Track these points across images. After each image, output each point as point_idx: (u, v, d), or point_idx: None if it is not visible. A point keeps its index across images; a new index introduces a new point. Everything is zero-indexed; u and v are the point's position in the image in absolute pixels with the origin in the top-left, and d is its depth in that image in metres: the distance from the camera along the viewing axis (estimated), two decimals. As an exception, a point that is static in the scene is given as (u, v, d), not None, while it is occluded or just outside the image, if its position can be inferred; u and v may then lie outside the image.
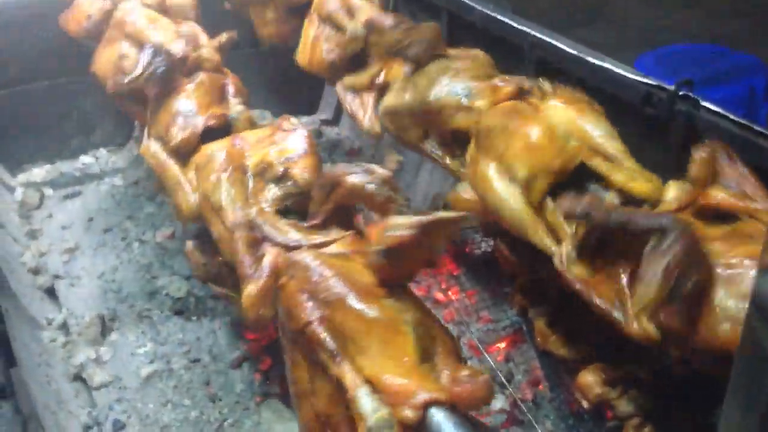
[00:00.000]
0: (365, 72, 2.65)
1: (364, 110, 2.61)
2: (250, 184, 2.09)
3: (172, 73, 2.60)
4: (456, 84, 2.27)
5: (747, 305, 0.91)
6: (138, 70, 2.61)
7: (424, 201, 3.27)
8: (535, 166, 1.87)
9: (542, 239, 1.83)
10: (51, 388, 2.47)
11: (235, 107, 2.52)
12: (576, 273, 1.71)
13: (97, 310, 2.83)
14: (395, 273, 1.63)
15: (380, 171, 1.82)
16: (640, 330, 1.53)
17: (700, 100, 2.07)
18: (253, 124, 2.48)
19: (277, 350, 1.88)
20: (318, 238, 1.86)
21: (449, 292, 2.75)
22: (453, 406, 1.39)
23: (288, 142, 2.17)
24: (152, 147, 2.49)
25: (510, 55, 2.60)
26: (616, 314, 1.59)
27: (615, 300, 1.61)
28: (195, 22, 2.93)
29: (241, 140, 2.23)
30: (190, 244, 2.38)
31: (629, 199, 1.80)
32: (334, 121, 4.13)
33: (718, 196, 1.65)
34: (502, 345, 2.57)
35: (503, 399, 2.38)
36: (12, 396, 2.15)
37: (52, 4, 3.34)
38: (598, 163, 1.86)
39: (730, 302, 1.42)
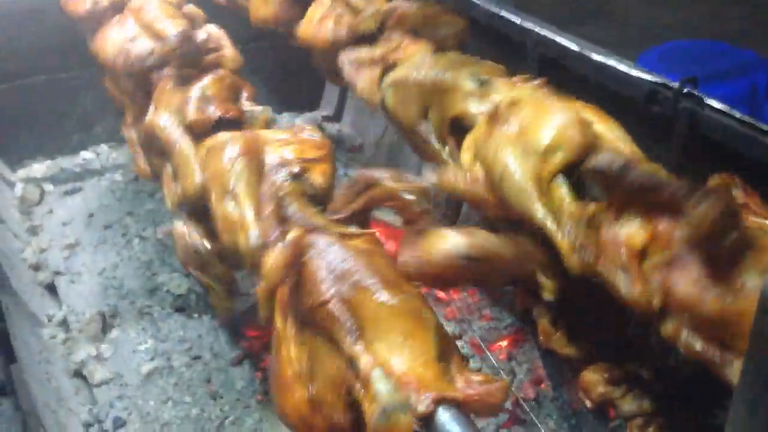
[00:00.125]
0: (377, 47, 2.58)
1: (367, 78, 2.53)
2: (268, 174, 2.07)
3: (198, 57, 2.60)
4: (476, 71, 2.23)
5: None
6: (167, 46, 2.61)
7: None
8: (557, 139, 1.82)
9: (543, 213, 1.77)
10: (51, 385, 2.47)
11: (255, 107, 2.51)
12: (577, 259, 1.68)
13: (97, 306, 2.83)
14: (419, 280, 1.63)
15: (419, 182, 1.80)
16: (640, 293, 1.51)
17: (705, 98, 2.06)
18: (269, 127, 2.46)
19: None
20: (342, 230, 1.84)
21: (450, 290, 2.74)
22: (462, 409, 1.38)
23: (306, 145, 2.15)
24: (162, 121, 2.44)
25: (512, 51, 2.59)
26: (620, 275, 1.56)
27: (619, 266, 1.58)
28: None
29: (259, 135, 2.21)
30: (179, 226, 2.35)
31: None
32: (335, 117, 4.12)
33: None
34: (504, 343, 2.56)
35: (505, 397, 2.37)
36: (12, 393, 2.14)
37: (52, -2, 3.33)
38: None
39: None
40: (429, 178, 2.09)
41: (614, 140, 1.83)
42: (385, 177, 1.82)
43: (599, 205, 1.66)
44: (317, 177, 2.08)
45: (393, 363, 1.41)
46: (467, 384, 1.41)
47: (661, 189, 1.54)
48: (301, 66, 3.06)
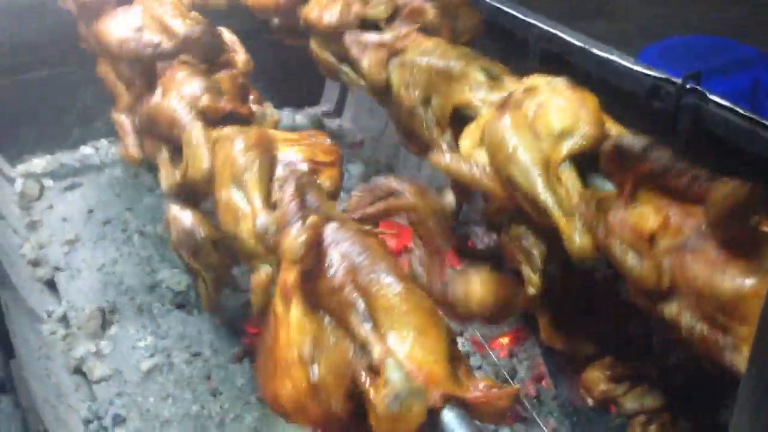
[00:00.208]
0: (388, 31, 2.57)
1: (374, 57, 2.51)
2: (283, 167, 2.07)
3: (218, 52, 2.64)
4: (487, 67, 2.22)
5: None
6: (191, 35, 2.64)
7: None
8: (572, 124, 1.80)
9: (548, 194, 1.75)
10: (51, 382, 2.46)
11: (265, 109, 2.52)
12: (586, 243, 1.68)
13: (97, 302, 2.82)
14: None
15: (440, 201, 1.80)
16: (649, 269, 1.51)
17: (708, 93, 2.05)
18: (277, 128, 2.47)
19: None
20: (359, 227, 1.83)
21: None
22: (469, 410, 1.37)
23: (317, 149, 2.15)
24: (173, 104, 2.43)
25: (514, 47, 2.58)
26: (630, 253, 1.57)
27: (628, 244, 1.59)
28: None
29: (271, 133, 2.22)
30: (175, 209, 2.34)
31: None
32: (336, 113, 4.12)
33: None
34: (506, 340, 2.55)
35: (506, 394, 2.36)
36: (12, 390, 2.13)
37: (52, -7, 3.32)
38: None
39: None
40: (434, 159, 2.10)
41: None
42: (407, 189, 1.81)
43: (607, 192, 1.67)
44: (326, 180, 2.08)
45: (405, 355, 1.40)
46: (475, 387, 1.41)
47: (684, 171, 1.55)
48: (301, 61, 3.05)
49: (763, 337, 0.92)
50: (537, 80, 2.00)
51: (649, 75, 2.16)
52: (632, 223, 1.59)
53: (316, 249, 1.61)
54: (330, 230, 1.68)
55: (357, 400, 1.42)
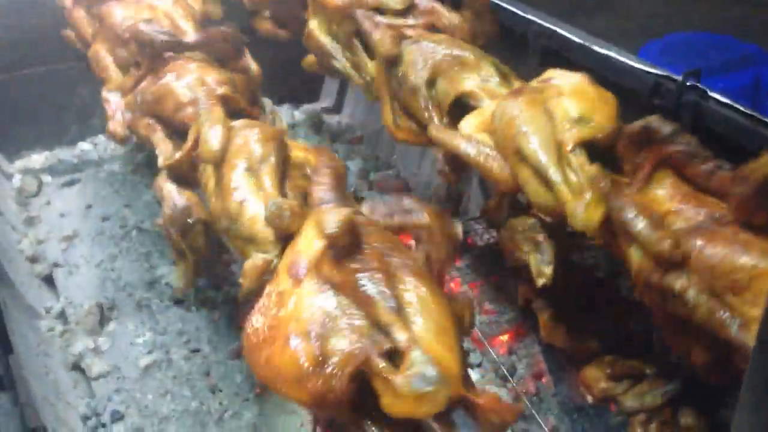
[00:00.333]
0: (402, 19, 2.59)
1: (387, 31, 2.50)
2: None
3: (240, 50, 2.71)
4: (499, 65, 2.27)
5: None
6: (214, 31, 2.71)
7: (425, 190, 3.25)
8: (592, 112, 1.84)
9: (557, 172, 1.78)
10: (49, 378, 2.45)
11: (275, 116, 2.54)
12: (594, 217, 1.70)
13: (95, 298, 2.81)
14: None
15: (456, 230, 1.82)
16: (661, 237, 1.54)
17: (709, 91, 2.04)
18: None
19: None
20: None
21: (451, 284, 2.72)
22: (476, 413, 1.38)
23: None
24: (190, 86, 2.45)
25: (514, 43, 2.58)
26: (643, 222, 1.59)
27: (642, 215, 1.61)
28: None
29: (285, 136, 2.23)
30: (170, 186, 2.34)
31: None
32: (336, 109, 4.11)
33: None
34: (505, 337, 2.55)
35: (505, 392, 2.36)
36: (10, 387, 2.13)
37: (51, -12, 3.31)
38: None
39: None
40: (432, 131, 2.12)
41: None
42: (424, 209, 1.82)
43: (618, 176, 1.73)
44: None
45: (428, 347, 1.40)
46: (483, 393, 1.42)
47: (709, 159, 1.64)
48: (301, 57, 3.04)
49: (765, 338, 0.92)
50: (556, 72, 2.03)
51: (650, 72, 2.16)
52: (648, 200, 1.65)
53: (354, 229, 1.63)
54: (361, 220, 1.70)
55: (360, 383, 1.41)
